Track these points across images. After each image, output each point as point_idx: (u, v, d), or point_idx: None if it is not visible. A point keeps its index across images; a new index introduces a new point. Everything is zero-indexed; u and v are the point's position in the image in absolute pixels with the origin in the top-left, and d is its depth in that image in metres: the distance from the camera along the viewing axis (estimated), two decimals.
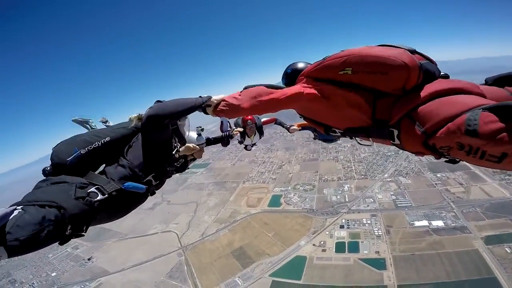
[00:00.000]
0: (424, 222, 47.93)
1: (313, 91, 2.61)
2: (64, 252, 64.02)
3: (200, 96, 2.83)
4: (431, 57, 2.42)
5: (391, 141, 2.39)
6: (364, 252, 45.47)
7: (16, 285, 55.82)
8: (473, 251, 40.21)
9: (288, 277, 45.44)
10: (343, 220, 54.54)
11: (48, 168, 2.54)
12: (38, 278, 57.16)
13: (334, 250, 48.21)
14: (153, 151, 2.72)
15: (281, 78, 3.36)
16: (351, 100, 2.44)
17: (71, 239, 2.16)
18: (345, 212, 56.67)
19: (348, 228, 52.27)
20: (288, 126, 7.31)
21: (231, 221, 63.95)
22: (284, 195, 68.29)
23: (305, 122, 3.62)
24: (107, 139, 2.67)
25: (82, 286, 53.67)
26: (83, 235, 2.28)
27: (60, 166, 2.47)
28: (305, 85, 2.72)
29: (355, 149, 79.47)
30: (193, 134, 4.32)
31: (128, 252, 61.76)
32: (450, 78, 2.37)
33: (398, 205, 54.61)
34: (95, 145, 2.58)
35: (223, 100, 2.80)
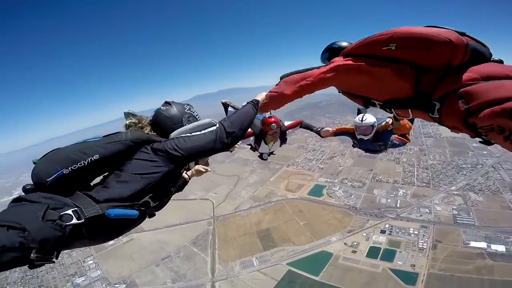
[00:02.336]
0: (482, 244, 40.99)
1: (354, 63, 2.68)
2: None
3: (248, 102, 2.89)
4: (484, 42, 2.41)
5: (430, 114, 2.42)
6: (398, 262, 40.54)
7: None
8: None
9: (306, 270, 42.81)
10: (387, 225, 49.26)
11: (29, 186, 2.29)
12: None
13: (365, 254, 43.95)
14: (169, 174, 2.44)
15: (321, 55, 3.42)
16: (395, 71, 2.48)
17: (43, 264, 1.96)
18: (391, 218, 51.02)
19: (389, 234, 47.18)
20: (319, 130, 6.48)
21: (266, 201, 62.77)
22: (328, 186, 64.04)
23: (342, 127, 5.29)
24: (96, 157, 2.30)
25: (116, 240, 57.73)
26: (53, 262, 2.04)
27: (40, 186, 2.23)
28: (345, 60, 2.78)
29: (422, 154, 70.32)
30: None
31: (166, 212, 64.03)
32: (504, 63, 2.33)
33: (458, 221, 47.20)
34: (80, 164, 2.26)
35: (266, 95, 2.99)
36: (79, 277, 48.97)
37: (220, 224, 57.91)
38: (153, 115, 2.77)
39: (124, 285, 46.29)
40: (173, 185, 2.65)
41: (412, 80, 2.43)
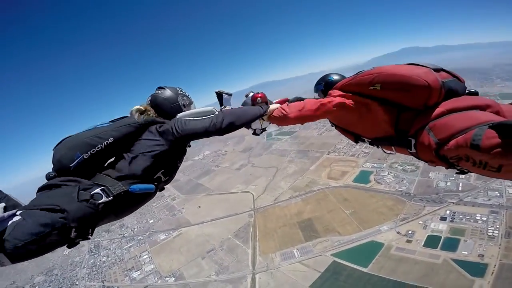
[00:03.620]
0: None
1: (351, 102, 3.00)
2: (164, 202, 73.67)
3: (261, 107, 3.30)
4: (459, 75, 2.67)
5: (408, 150, 2.65)
6: (463, 252, 35.24)
7: (123, 228, 67.27)
8: None
9: (353, 262, 39.44)
10: (448, 212, 43.53)
11: (52, 174, 2.44)
12: (139, 223, 67.50)
13: (422, 243, 39.17)
14: (174, 151, 2.75)
15: (315, 85, 3.87)
16: (379, 112, 2.78)
17: (79, 242, 2.19)
18: (453, 203, 44.88)
19: (452, 221, 41.47)
20: None
21: (307, 190, 59.92)
22: (376, 172, 59.02)
23: None
24: (110, 140, 2.53)
25: (167, 234, 61.27)
26: (89, 238, 2.29)
27: (63, 172, 2.39)
28: (342, 97, 3.08)
29: None
30: None
31: (211, 206, 66.68)
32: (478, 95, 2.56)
33: None
34: (98, 147, 2.47)
35: (277, 109, 3.31)
36: (135, 271, 52.36)
37: (260, 216, 56.84)
38: (150, 99, 3.04)
39: (174, 278, 48.00)
40: (179, 161, 2.97)
41: (394, 119, 2.70)
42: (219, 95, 6.06)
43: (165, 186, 2.89)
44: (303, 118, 3.12)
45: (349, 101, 2.97)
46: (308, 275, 39.34)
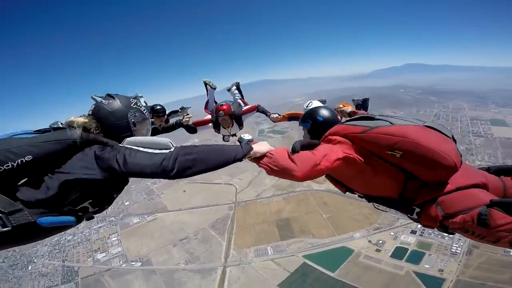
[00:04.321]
0: None
1: (360, 159, 2.62)
2: (144, 185, 73.74)
3: (240, 145, 2.43)
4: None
5: (408, 215, 2.60)
6: (425, 266, 37.10)
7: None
8: None
9: (322, 265, 40.79)
10: (419, 226, 44.11)
11: None
12: (114, 204, 66.68)
13: (390, 253, 40.99)
14: (109, 183, 2.21)
15: (302, 119, 3.38)
16: (386, 176, 2.58)
17: None
18: None
19: (421, 235, 43.65)
20: (269, 115, 6.76)
21: (289, 190, 61.09)
22: None
23: (293, 112, 6.24)
24: (28, 158, 1.99)
25: (141, 218, 61.36)
26: None
27: None
28: (349, 149, 2.66)
29: (469, 154, 64.20)
30: None
31: (191, 195, 67.09)
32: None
33: None
34: (8, 165, 1.93)
35: (271, 156, 2.49)
36: (100, 253, 51.89)
37: (240, 210, 57.86)
38: (93, 110, 2.40)
39: (140, 263, 48.13)
40: (117, 192, 2.46)
41: (401, 186, 2.56)
42: (205, 85, 6.96)
43: (94, 216, 2.39)
44: (314, 176, 2.50)
45: (359, 158, 2.59)
46: (278, 274, 40.59)
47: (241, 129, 6.87)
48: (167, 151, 2.14)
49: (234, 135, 6.93)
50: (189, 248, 49.66)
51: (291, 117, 6.50)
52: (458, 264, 35.94)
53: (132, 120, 2.43)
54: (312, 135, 3.17)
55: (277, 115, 6.61)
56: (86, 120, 2.26)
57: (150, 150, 2.13)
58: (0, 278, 48.33)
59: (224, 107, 6.27)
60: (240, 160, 2.34)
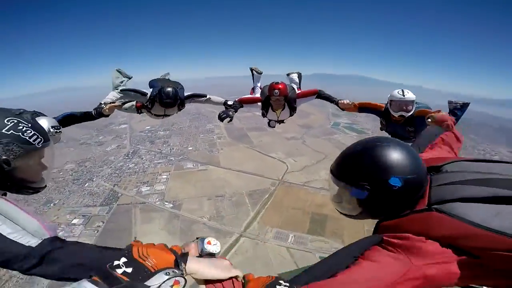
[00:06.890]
0: None
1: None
2: (210, 137, 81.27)
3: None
4: None
5: None
6: None
7: (165, 145, 78.29)
8: None
9: None
10: None
11: None
12: (181, 146, 74.83)
13: None
14: None
15: (347, 174, 1.65)
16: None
17: None
18: None
19: None
20: (337, 100, 5.82)
21: None
22: None
23: (368, 102, 5.47)
24: None
25: (194, 165, 65.62)
26: None
27: None
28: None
29: None
30: None
31: (245, 158, 68.56)
32: None
33: None
34: None
35: None
36: (146, 186, 56.55)
37: (282, 189, 56.27)
38: None
39: (172, 205, 51.16)
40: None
41: None
42: (251, 71, 6.77)
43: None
44: None
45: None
46: (285, 263, 38.47)
47: (292, 115, 6.06)
48: (35, 242, 1.37)
49: (282, 121, 6.36)
50: (219, 206, 50.87)
51: (362, 108, 5.70)
52: None
53: (2, 157, 1.49)
54: (365, 212, 1.58)
55: (348, 101, 5.69)
56: None
57: (13, 232, 1.36)
58: (59, 189, 55.20)
59: (280, 86, 5.44)
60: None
